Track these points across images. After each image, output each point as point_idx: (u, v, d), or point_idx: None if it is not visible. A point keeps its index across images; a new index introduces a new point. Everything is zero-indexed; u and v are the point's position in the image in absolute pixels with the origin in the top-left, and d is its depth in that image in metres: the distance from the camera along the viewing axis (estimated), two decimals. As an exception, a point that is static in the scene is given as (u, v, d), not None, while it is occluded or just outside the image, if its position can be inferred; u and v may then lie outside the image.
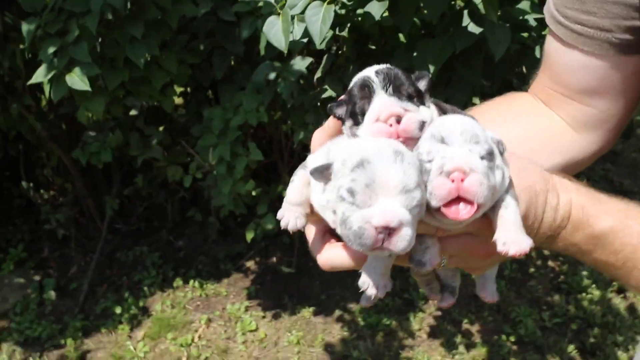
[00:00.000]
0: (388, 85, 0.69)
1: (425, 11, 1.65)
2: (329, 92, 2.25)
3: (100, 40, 2.36)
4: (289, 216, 0.73)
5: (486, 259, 0.76)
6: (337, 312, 2.98)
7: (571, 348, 2.79)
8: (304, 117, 2.45)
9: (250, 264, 3.30)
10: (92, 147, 2.90)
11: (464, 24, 1.72)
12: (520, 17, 1.65)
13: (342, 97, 0.75)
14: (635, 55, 0.92)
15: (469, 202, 0.62)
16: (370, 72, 0.72)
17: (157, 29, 2.43)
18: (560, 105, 1.02)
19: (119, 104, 2.65)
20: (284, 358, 2.77)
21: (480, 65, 1.76)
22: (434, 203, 0.64)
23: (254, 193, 2.64)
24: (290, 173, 3.06)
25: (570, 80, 0.98)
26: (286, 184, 3.01)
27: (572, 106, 1.00)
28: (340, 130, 0.76)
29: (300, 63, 2.27)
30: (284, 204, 0.75)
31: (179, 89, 3.03)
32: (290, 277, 3.18)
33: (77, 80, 2.19)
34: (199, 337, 2.87)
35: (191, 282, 3.13)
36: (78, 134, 3.06)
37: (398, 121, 0.68)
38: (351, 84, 0.74)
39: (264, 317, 2.96)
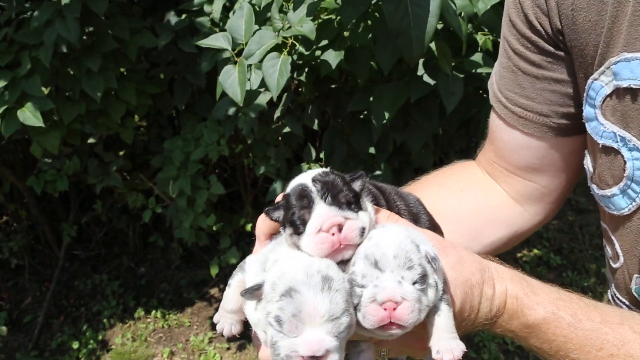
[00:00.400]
0: (326, 194, 0.70)
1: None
2: (289, 128, 2.25)
3: (55, 72, 2.30)
4: (224, 322, 0.76)
5: (424, 350, 0.78)
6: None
7: (531, 371, 2.87)
8: (265, 150, 2.44)
9: (215, 291, 3.25)
10: (47, 175, 2.81)
11: (419, 73, 1.75)
12: (473, 70, 1.70)
13: (279, 199, 0.75)
14: (573, 136, 0.96)
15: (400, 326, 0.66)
16: (306, 179, 0.73)
17: (115, 61, 2.38)
18: (504, 180, 1.06)
19: (76, 135, 2.58)
20: (247, 390, 2.75)
21: (436, 113, 1.80)
22: (367, 325, 0.67)
23: (215, 228, 2.61)
24: (253, 202, 2.98)
25: (512, 158, 1.03)
26: (249, 216, 2.93)
27: (516, 181, 1.04)
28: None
29: (261, 98, 2.26)
30: (220, 310, 0.77)
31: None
32: (255, 304, 3.16)
33: (29, 115, 2.12)
34: (160, 372, 2.82)
35: (153, 312, 3.07)
36: (34, 159, 2.96)
37: (340, 229, 0.69)
38: (288, 190, 0.75)
39: (228, 348, 2.93)
